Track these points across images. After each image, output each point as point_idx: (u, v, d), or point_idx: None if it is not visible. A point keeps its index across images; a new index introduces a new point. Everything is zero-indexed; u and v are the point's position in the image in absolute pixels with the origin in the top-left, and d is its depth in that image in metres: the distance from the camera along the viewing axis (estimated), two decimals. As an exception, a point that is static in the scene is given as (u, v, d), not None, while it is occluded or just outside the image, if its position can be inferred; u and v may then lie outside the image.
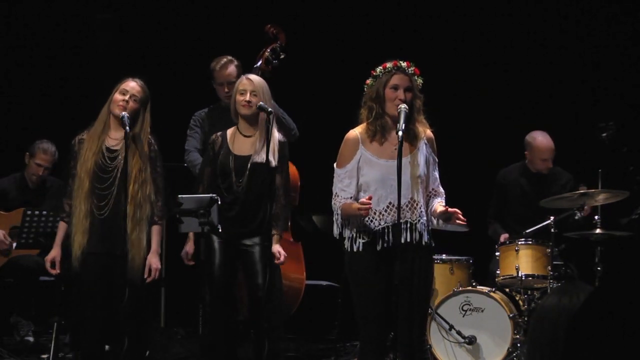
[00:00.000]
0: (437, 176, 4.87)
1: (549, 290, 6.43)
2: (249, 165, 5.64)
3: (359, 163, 4.74)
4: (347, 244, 4.78)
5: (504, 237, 6.96)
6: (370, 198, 4.61)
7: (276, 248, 5.62)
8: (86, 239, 5.51)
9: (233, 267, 5.73)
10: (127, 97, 5.56)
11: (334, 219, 4.79)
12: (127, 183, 5.50)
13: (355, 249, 4.74)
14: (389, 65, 4.76)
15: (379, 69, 4.78)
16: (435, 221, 4.84)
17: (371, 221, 4.72)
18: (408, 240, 4.71)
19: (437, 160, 4.86)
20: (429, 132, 4.84)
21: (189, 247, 5.80)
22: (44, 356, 6.81)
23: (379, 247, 4.70)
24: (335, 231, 4.80)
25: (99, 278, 5.53)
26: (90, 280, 5.53)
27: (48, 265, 5.62)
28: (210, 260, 5.69)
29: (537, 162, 7.06)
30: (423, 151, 4.79)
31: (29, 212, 6.61)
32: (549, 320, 2.36)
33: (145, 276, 5.54)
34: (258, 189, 5.62)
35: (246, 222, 5.65)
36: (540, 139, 7.04)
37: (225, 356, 5.72)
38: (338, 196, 4.75)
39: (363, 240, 4.72)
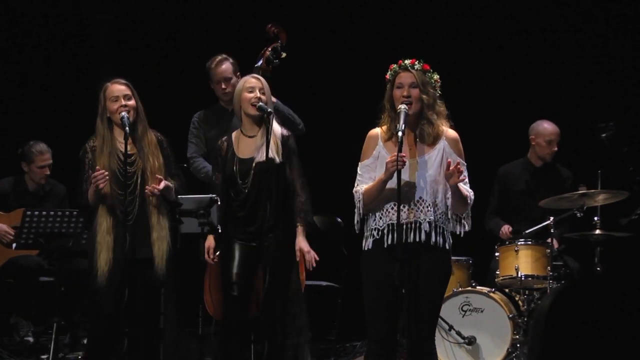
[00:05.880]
0: (465, 177, 4.70)
1: (548, 291, 6.43)
2: (253, 165, 5.59)
3: (377, 159, 4.72)
4: (363, 242, 4.76)
5: (507, 228, 6.93)
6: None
7: (300, 244, 5.58)
8: (112, 254, 5.43)
9: (250, 271, 5.66)
10: (122, 102, 5.51)
11: (356, 209, 4.72)
12: (145, 183, 5.46)
13: (366, 247, 4.73)
14: (394, 66, 4.74)
15: (389, 72, 4.76)
16: (466, 224, 4.75)
17: (380, 218, 4.71)
18: (416, 240, 4.65)
19: (463, 161, 4.71)
20: (452, 133, 4.77)
21: (209, 242, 5.69)
22: (44, 356, 6.80)
23: (385, 245, 4.67)
24: (357, 227, 4.76)
25: (123, 285, 5.43)
26: (115, 288, 5.43)
27: None
28: (229, 264, 5.62)
29: (543, 145, 7.05)
30: (440, 151, 4.72)
31: (28, 213, 6.61)
32: (535, 324, 2.38)
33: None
34: (266, 188, 5.54)
35: (259, 222, 5.57)
36: (546, 123, 7.10)
37: (230, 357, 5.69)
38: (358, 186, 4.72)
39: (373, 238, 4.71)
